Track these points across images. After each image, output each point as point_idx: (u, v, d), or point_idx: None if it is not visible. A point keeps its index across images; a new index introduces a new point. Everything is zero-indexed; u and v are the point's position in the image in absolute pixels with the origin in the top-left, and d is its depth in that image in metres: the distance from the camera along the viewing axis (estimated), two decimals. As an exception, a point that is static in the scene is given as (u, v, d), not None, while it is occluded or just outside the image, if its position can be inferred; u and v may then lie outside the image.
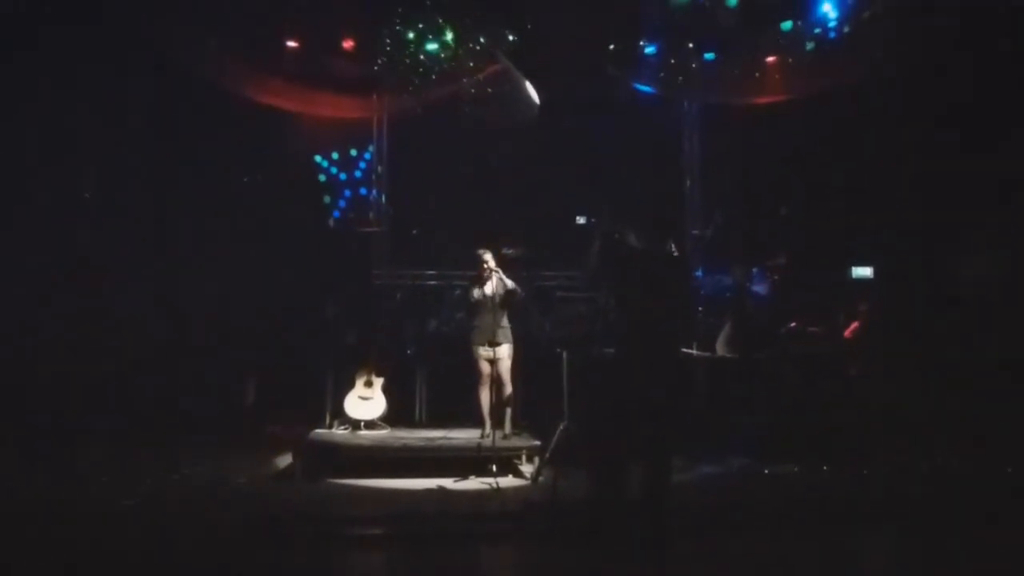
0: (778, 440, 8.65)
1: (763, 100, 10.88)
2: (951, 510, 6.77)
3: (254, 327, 10.35)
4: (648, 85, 11.17)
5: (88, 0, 8.88)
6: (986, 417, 8.59)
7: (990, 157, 9.49)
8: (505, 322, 8.60)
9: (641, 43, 10.90)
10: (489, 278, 8.58)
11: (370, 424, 9.42)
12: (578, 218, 10.79)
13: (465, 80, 10.70)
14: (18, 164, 9.01)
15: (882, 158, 10.33)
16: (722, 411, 9.12)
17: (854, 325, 9.71)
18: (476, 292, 8.65)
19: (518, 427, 9.01)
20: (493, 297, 8.51)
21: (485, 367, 8.55)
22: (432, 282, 11.22)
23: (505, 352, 8.52)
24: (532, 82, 10.57)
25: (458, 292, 10.46)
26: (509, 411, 8.69)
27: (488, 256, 8.64)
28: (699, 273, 10.87)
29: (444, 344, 10.42)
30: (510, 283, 8.60)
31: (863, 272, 10.55)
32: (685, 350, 9.31)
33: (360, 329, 10.46)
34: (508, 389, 8.60)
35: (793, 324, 9.53)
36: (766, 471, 8.12)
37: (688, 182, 11.95)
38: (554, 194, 11.09)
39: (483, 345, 8.49)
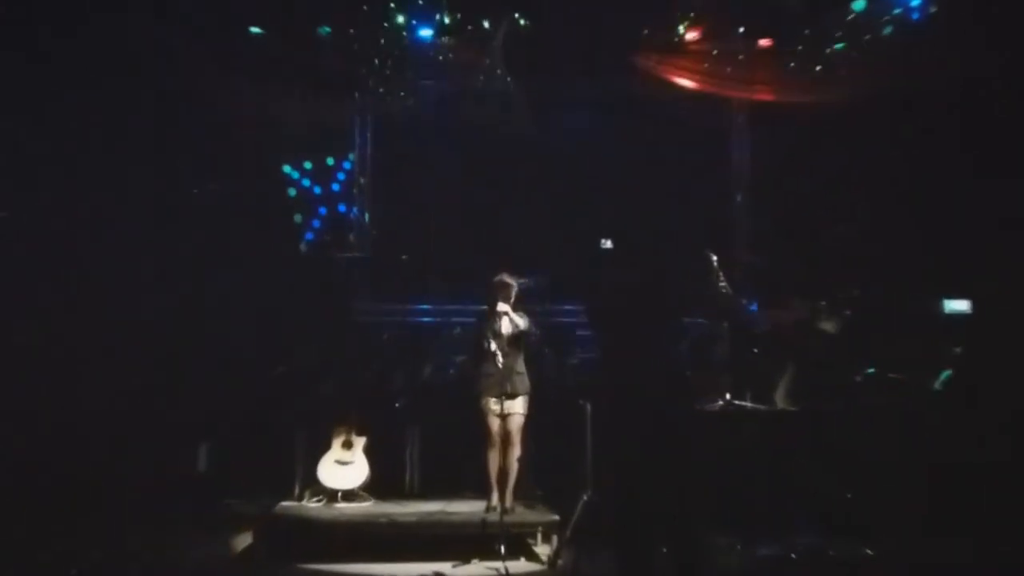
0: (852, 514, 8.54)
1: (828, 99, 10.94)
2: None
3: (207, 376, 10.24)
4: (689, 80, 11.21)
5: None
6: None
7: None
8: (521, 367, 8.52)
9: (680, 28, 10.95)
10: (504, 313, 8.47)
11: (349, 494, 9.31)
12: (604, 241, 10.54)
13: (465, 74, 10.90)
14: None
15: (980, 168, 10.26)
16: (782, 477, 8.94)
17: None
18: (487, 330, 8.57)
19: (531, 497, 8.96)
20: (508, 336, 8.37)
21: (495, 424, 8.44)
22: (426, 319, 11.19)
23: (520, 405, 8.41)
24: (546, 78, 10.88)
25: (458, 330, 10.48)
26: (514, 477, 8.60)
27: (513, 285, 8.58)
28: (753, 307, 10.82)
29: (441, 395, 10.40)
30: (522, 322, 8.49)
31: (959, 306, 10.39)
32: (738, 402, 9.55)
33: (338, 377, 10.45)
34: (518, 451, 8.49)
35: (871, 370, 9.45)
36: (835, 553, 8.03)
37: (738, 197, 11.96)
38: (574, 213, 11.21)
39: (494, 397, 8.35)
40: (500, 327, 8.53)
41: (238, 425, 10.22)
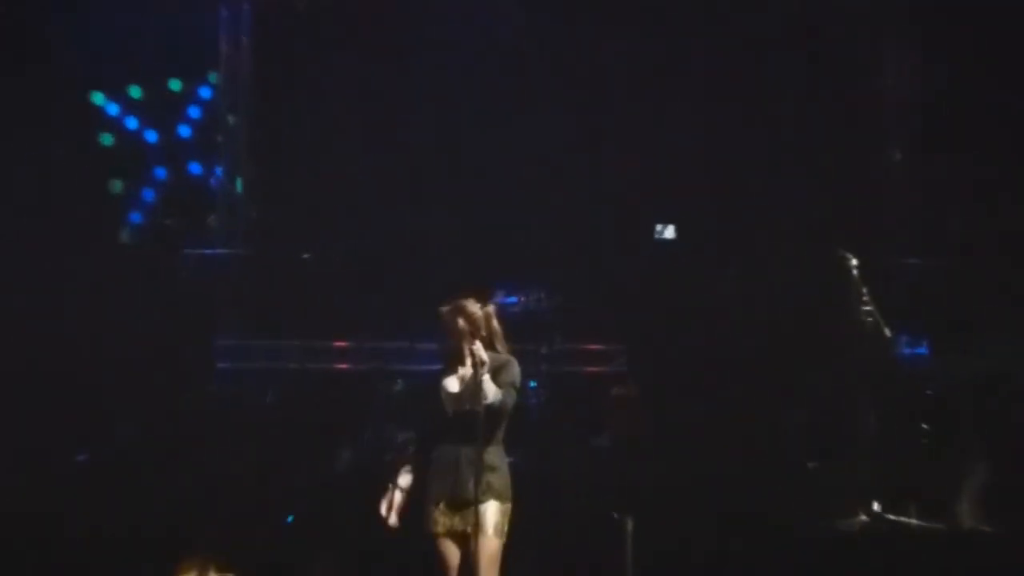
0: None
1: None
2: None
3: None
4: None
5: None
6: None
7: None
8: (496, 456, 7.78)
9: None
10: (480, 361, 7.80)
11: None
12: (659, 228, 10.89)
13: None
14: None
15: None
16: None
17: None
18: (446, 387, 7.85)
19: None
20: (469, 398, 7.68)
21: (447, 551, 7.69)
22: (343, 365, 11.02)
23: (491, 519, 7.69)
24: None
25: (401, 385, 10.23)
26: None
27: (471, 309, 7.86)
28: (921, 349, 10.65)
29: (371, 500, 9.08)
30: (491, 390, 7.78)
31: None
32: (893, 516, 9.20)
33: (186, 468, 10.05)
34: (495, 595, 8.09)
35: None
36: None
37: (896, 155, 11.68)
38: (608, 183, 11.23)
39: (444, 503, 7.65)
40: (455, 382, 7.88)
41: (10, 550, 9.32)
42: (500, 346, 7.81)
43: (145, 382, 10.64)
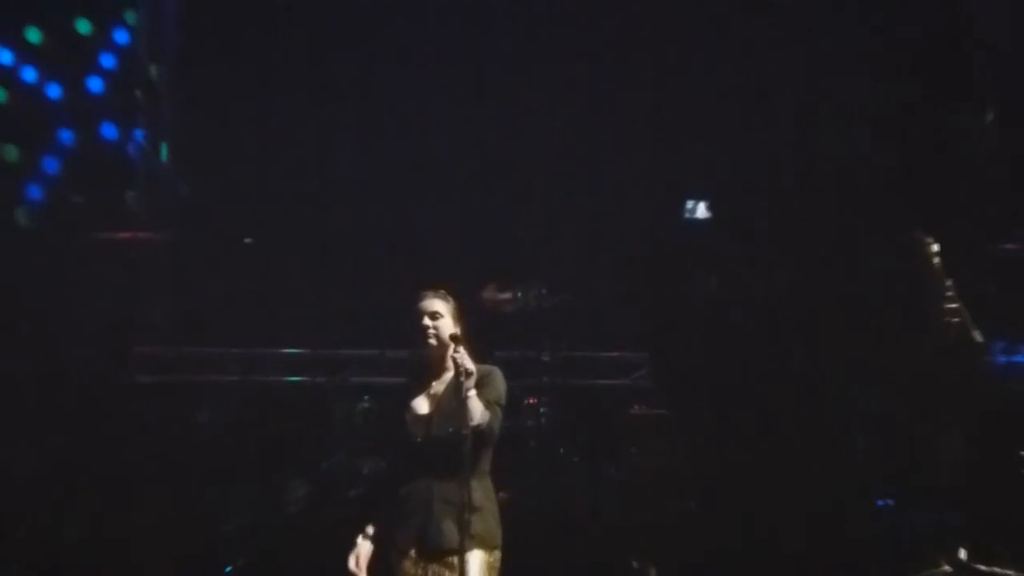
0: None
1: None
2: None
3: None
4: None
5: None
6: None
7: None
8: (479, 493, 7.48)
9: None
10: (466, 372, 7.45)
11: None
12: (689, 205, 10.70)
13: None
14: None
15: None
16: None
17: None
18: (414, 408, 7.60)
19: None
20: (445, 420, 7.37)
21: None
22: (293, 378, 10.86)
23: (473, 570, 7.39)
24: None
25: (367, 403, 10.12)
26: None
27: (437, 308, 7.56)
28: (1019, 357, 10.40)
29: (325, 544, 9.34)
30: (477, 408, 7.38)
31: None
32: (985, 567, 8.77)
33: (100, 505, 9.75)
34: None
35: None
36: None
37: (989, 116, 11.39)
38: (620, 152, 10.94)
39: (414, 550, 7.32)
40: (425, 402, 7.63)
41: None
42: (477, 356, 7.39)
43: (47, 400, 10.40)
